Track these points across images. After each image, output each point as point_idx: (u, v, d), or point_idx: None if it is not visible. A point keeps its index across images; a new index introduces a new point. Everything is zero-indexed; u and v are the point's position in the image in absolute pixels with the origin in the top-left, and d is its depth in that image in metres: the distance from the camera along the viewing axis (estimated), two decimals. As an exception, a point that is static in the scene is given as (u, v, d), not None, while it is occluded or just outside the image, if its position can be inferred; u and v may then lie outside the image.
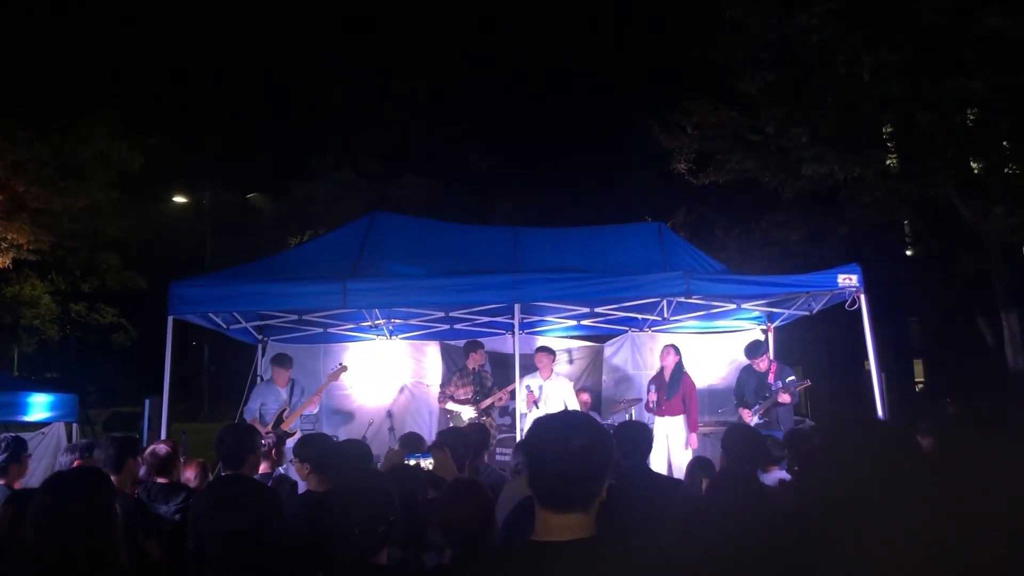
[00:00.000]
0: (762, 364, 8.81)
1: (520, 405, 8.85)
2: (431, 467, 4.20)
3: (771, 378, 8.68)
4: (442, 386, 9.83)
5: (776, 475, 4.80)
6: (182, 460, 5.80)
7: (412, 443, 4.61)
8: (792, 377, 8.63)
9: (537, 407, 8.99)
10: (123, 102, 20.40)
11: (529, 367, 9.40)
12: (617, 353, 11.26)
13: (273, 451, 5.81)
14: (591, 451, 1.97)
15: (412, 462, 4.17)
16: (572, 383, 9.98)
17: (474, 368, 9.52)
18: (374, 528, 2.81)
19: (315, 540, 4.18)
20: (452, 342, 10.95)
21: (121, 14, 26.53)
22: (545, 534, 1.97)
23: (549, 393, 9.18)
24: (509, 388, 9.24)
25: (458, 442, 4.91)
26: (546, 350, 9.48)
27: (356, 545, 2.82)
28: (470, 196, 28.75)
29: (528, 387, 9.09)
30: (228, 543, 4.03)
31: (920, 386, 26.98)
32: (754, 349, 8.99)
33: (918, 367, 27.73)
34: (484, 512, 3.21)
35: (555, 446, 1.97)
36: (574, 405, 9.26)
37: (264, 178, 28.64)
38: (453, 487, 3.40)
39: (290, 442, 8.41)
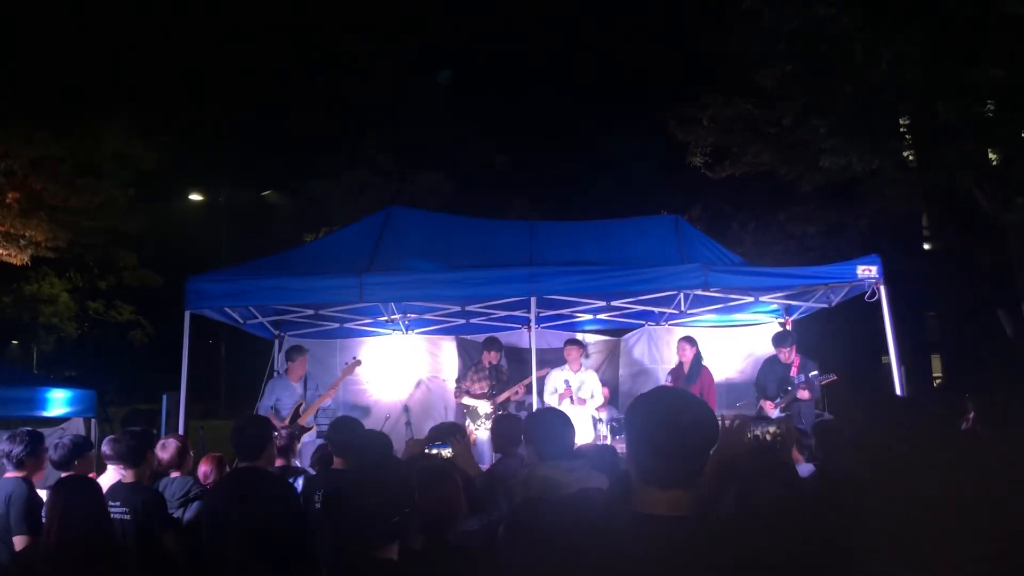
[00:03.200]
0: (788, 355, 8.74)
1: (550, 398, 8.88)
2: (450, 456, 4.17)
3: (794, 371, 8.61)
4: (458, 381, 9.82)
5: (805, 467, 4.74)
6: (191, 454, 5.81)
7: (444, 432, 4.58)
8: (815, 372, 8.55)
9: (573, 402, 8.99)
10: (139, 101, 20.52)
11: (545, 361, 9.37)
12: (634, 347, 11.21)
13: (295, 444, 5.80)
14: (698, 428, 1.96)
15: (434, 451, 4.15)
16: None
17: (490, 363, 9.50)
18: (387, 518, 2.77)
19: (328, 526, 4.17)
20: (468, 336, 10.92)
21: (138, 13, 26.65)
22: (645, 506, 1.96)
23: (579, 386, 9.17)
24: (525, 382, 9.22)
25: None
26: (575, 343, 9.44)
27: (367, 533, 2.78)
28: (485, 192, 28.72)
29: (567, 381, 9.09)
30: (245, 535, 4.01)
31: (938, 380, 26.80)
32: (781, 337, 8.93)
33: (936, 362, 27.56)
34: (452, 499, 3.18)
35: (663, 423, 1.96)
36: (601, 397, 9.25)
37: (279, 176, 28.72)
38: (420, 474, 3.35)
39: (306, 437, 8.44)
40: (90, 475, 5.02)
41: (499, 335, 10.21)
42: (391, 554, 2.80)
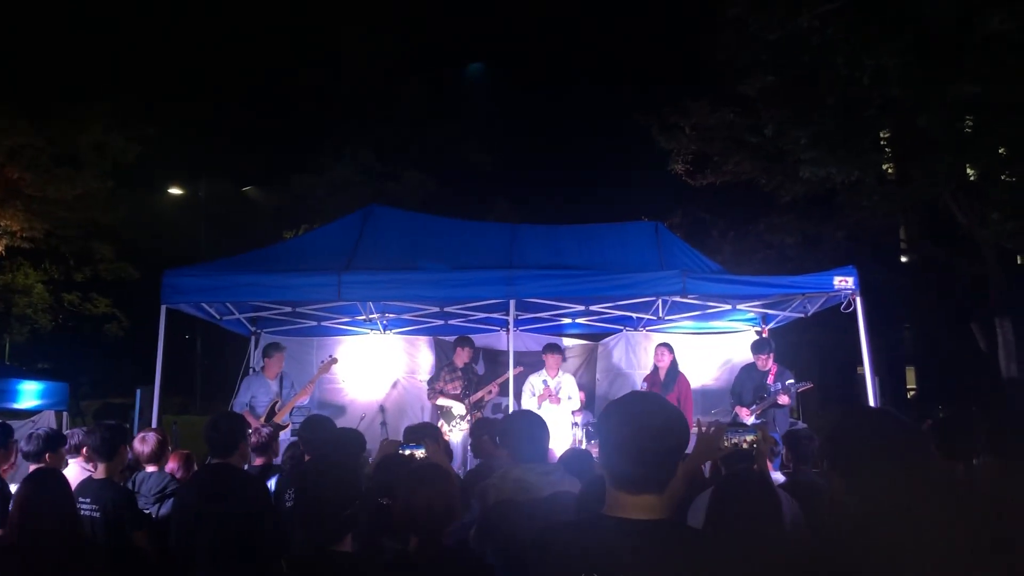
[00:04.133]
0: (765, 363, 8.79)
1: (528, 401, 8.92)
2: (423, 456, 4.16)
3: (771, 379, 8.65)
4: (431, 382, 9.78)
5: (774, 476, 4.77)
6: (170, 449, 5.76)
7: (416, 434, 4.58)
8: (791, 380, 8.60)
9: (553, 401, 9.05)
10: (121, 92, 20.32)
11: (523, 364, 9.38)
12: (612, 351, 11.23)
13: (272, 444, 5.75)
14: (668, 432, 1.98)
15: (407, 452, 4.14)
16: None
17: (464, 363, 9.50)
18: (339, 511, 2.77)
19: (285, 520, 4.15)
20: (445, 337, 10.91)
21: (122, 4, 26.45)
22: (617, 510, 1.97)
23: (556, 390, 9.24)
24: (499, 380, 9.24)
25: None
26: (555, 348, 9.48)
27: (319, 527, 2.78)
28: (467, 193, 28.71)
29: (545, 381, 9.14)
30: (215, 532, 3.99)
31: (912, 393, 27.03)
32: (760, 345, 8.98)
33: (910, 373, 27.79)
34: (446, 498, 3.13)
35: (633, 428, 1.98)
36: (577, 400, 9.30)
37: (261, 171, 28.58)
38: (415, 472, 3.33)
39: (282, 435, 8.39)
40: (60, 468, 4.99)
41: (478, 337, 10.22)
42: (345, 546, 2.81)
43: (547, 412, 8.89)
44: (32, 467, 4.78)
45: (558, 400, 9.13)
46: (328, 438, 4.79)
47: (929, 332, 22.46)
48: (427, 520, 3.02)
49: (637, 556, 1.86)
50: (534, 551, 2.04)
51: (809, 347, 19.16)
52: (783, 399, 8.45)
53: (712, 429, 3.50)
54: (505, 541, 3.41)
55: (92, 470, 4.76)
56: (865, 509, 1.95)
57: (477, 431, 5.37)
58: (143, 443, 5.36)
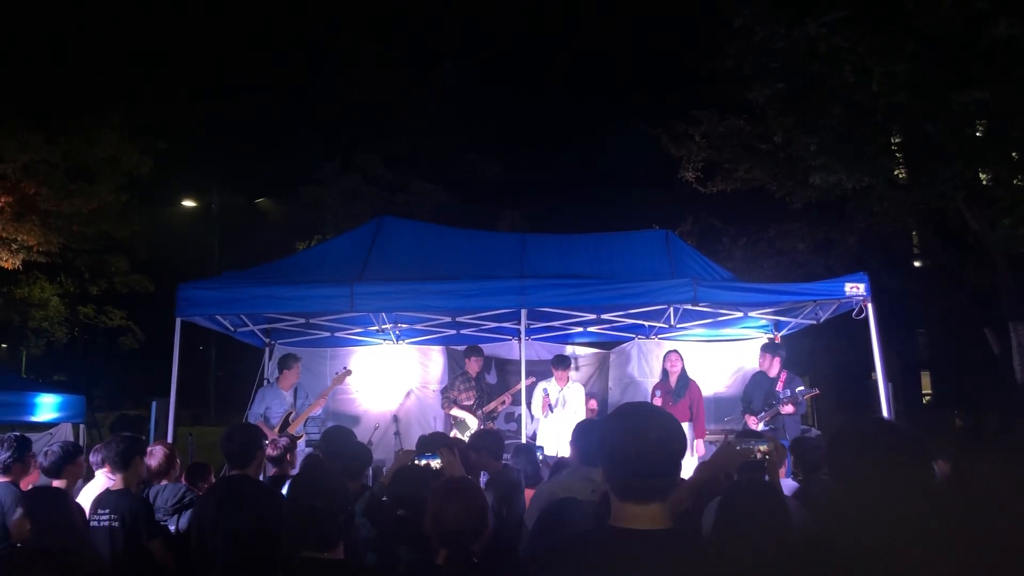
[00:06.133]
0: (773, 368, 8.80)
1: (535, 410, 8.98)
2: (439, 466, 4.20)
3: (779, 386, 8.66)
4: (444, 391, 9.82)
5: (786, 484, 4.79)
6: (179, 461, 5.82)
7: (429, 443, 4.61)
8: (801, 387, 8.61)
9: (552, 411, 9.11)
10: (133, 105, 20.43)
11: (535, 373, 9.43)
12: (624, 360, 11.25)
13: (288, 455, 5.79)
14: (667, 443, 2.02)
15: (422, 462, 4.18)
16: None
17: (477, 373, 9.54)
18: (332, 518, 2.81)
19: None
20: (457, 347, 10.95)
21: (132, 17, 26.65)
22: (623, 521, 2.01)
23: (565, 399, 9.30)
24: (512, 391, 9.27)
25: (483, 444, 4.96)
26: (562, 362, 9.55)
27: (311, 534, 2.82)
28: (477, 203, 28.72)
29: (546, 391, 9.19)
30: (233, 544, 4.03)
31: (927, 398, 26.92)
32: (767, 345, 9.03)
33: (925, 379, 27.67)
34: (476, 512, 3.18)
35: (632, 439, 2.02)
36: (583, 412, 9.32)
37: (272, 183, 28.70)
38: (445, 486, 3.37)
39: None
40: (78, 481, 5.06)
41: (490, 346, 10.25)
42: (338, 554, 2.85)
43: (556, 420, 9.01)
44: (54, 482, 4.87)
45: (551, 411, 9.24)
46: (336, 449, 4.83)
47: (943, 337, 22.34)
48: (458, 533, 3.06)
49: (645, 566, 1.90)
50: (547, 563, 2.08)
51: (824, 353, 19.12)
52: (787, 408, 8.47)
53: (731, 441, 3.54)
54: (559, 533, 3.49)
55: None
56: (858, 514, 1.98)
57: (477, 444, 5.28)
58: (151, 457, 5.43)
